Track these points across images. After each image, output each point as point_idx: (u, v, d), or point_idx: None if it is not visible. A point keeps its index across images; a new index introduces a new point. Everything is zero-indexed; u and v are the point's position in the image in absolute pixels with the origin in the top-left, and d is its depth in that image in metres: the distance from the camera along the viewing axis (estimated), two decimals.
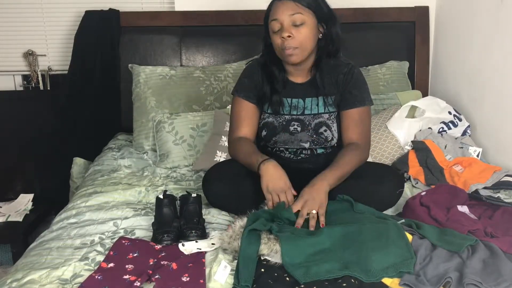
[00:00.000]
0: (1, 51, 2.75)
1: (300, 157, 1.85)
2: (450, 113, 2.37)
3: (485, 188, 1.94)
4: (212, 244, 1.50)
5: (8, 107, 2.71)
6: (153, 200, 1.80)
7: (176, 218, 1.62)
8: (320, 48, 1.80)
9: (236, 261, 1.39)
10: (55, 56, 2.77)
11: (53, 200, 2.56)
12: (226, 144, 2.11)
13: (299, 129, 1.82)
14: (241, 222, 1.50)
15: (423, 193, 1.72)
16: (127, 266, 1.39)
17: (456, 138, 2.31)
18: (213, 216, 1.73)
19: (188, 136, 2.29)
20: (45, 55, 2.77)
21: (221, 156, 2.15)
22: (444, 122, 2.34)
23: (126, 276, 1.33)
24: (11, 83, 2.79)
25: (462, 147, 2.24)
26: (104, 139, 2.58)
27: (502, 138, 2.23)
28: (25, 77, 2.78)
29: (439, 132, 2.32)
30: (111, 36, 2.61)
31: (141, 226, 1.66)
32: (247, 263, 1.35)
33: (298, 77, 1.86)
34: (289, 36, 1.70)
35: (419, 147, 2.17)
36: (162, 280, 1.31)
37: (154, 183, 2.05)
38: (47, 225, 1.77)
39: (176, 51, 2.68)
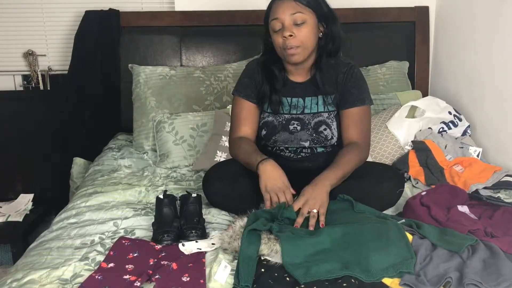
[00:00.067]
0: (1, 51, 2.75)
1: (300, 156, 1.86)
2: (450, 113, 2.37)
3: (485, 188, 1.94)
4: (212, 244, 1.50)
5: (8, 107, 2.71)
6: (153, 200, 1.80)
7: (176, 218, 1.62)
8: (320, 47, 1.81)
9: (236, 261, 1.39)
10: (55, 56, 2.77)
11: (53, 200, 2.56)
12: (227, 144, 2.11)
13: (298, 128, 1.83)
14: (241, 222, 1.50)
15: (424, 193, 1.72)
16: (127, 266, 1.39)
17: (456, 138, 2.31)
18: (213, 216, 1.73)
19: (188, 136, 2.28)
20: (45, 55, 2.77)
21: (221, 156, 2.15)
22: (444, 122, 2.34)
23: (126, 276, 1.33)
24: (11, 83, 2.79)
25: (462, 147, 2.24)
26: (104, 139, 2.58)
27: (502, 138, 2.23)
28: (25, 77, 2.78)
29: (439, 132, 2.32)
30: (111, 36, 2.61)
31: (141, 226, 1.66)
32: (247, 263, 1.35)
33: (298, 76, 1.86)
34: (291, 35, 1.70)
35: (419, 147, 2.17)
36: (162, 280, 1.31)
37: (154, 183, 2.05)
38: (47, 225, 1.77)
39: (176, 51, 2.68)
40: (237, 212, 1.60)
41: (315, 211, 1.55)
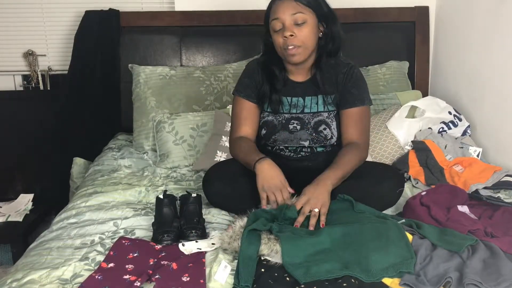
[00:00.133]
0: (1, 51, 2.75)
1: (300, 155, 1.86)
2: (450, 113, 2.37)
3: (485, 188, 1.94)
4: (212, 244, 1.50)
5: (8, 107, 2.71)
6: (153, 200, 1.80)
7: (176, 218, 1.62)
8: (320, 47, 1.81)
9: (236, 261, 1.39)
10: (55, 56, 2.77)
11: (53, 200, 2.56)
12: (227, 144, 2.11)
13: (298, 127, 1.83)
14: (241, 222, 1.50)
15: (423, 193, 1.72)
16: (127, 266, 1.39)
17: (456, 138, 2.30)
18: (213, 216, 1.73)
19: (188, 136, 2.28)
20: (45, 55, 2.77)
21: (221, 156, 2.15)
22: (444, 122, 2.34)
23: (126, 276, 1.33)
24: (11, 83, 2.79)
25: (462, 147, 2.24)
26: (104, 139, 2.58)
27: (502, 138, 2.23)
28: (25, 77, 2.78)
29: (439, 132, 2.32)
30: (111, 36, 2.61)
31: (141, 226, 1.66)
32: (247, 263, 1.35)
33: (299, 76, 1.86)
34: (292, 35, 1.70)
35: (419, 147, 2.17)
36: (162, 280, 1.31)
37: (154, 183, 2.05)
38: (47, 225, 1.77)
39: (176, 51, 2.68)
40: (237, 212, 1.60)
41: (316, 210, 1.55)
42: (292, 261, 1.36)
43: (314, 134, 1.82)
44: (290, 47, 1.72)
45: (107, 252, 1.47)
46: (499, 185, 1.95)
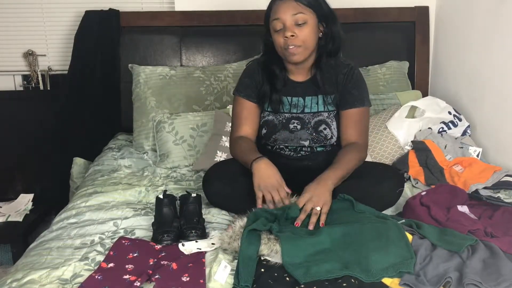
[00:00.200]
0: (1, 51, 2.75)
1: (300, 155, 1.86)
2: (450, 113, 2.37)
3: (485, 188, 1.94)
4: (212, 244, 1.50)
5: (8, 107, 2.71)
6: (153, 200, 1.80)
7: (176, 218, 1.62)
8: (320, 47, 1.81)
9: (236, 261, 1.39)
10: (55, 56, 2.77)
11: (53, 200, 2.56)
12: (227, 144, 2.11)
13: (298, 127, 1.83)
14: (241, 222, 1.50)
15: (423, 193, 1.72)
16: (127, 266, 1.39)
17: (456, 138, 2.30)
18: (213, 216, 1.73)
19: (188, 136, 2.28)
20: (45, 55, 2.77)
21: (221, 156, 2.15)
22: (444, 122, 2.34)
23: (126, 276, 1.33)
24: (11, 83, 2.79)
25: (462, 147, 2.24)
26: (104, 139, 2.58)
27: (502, 138, 2.23)
28: (25, 77, 2.78)
29: (439, 132, 2.32)
30: (111, 36, 2.61)
31: (141, 226, 1.66)
32: (247, 263, 1.35)
33: (299, 76, 1.86)
34: (292, 36, 1.71)
35: (419, 147, 2.17)
36: (162, 280, 1.31)
37: (154, 183, 2.05)
38: (47, 225, 1.77)
39: (176, 51, 2.68)
40: (237, 212, 1.60)
41: (318, 208, 1.55)
42: (292, 261, 1.36)
43: (314, 134, 1.82)
44: (291, 46, 1.72)
45: (107, 252, 1.47)
46: (499, 185, 1.95)
